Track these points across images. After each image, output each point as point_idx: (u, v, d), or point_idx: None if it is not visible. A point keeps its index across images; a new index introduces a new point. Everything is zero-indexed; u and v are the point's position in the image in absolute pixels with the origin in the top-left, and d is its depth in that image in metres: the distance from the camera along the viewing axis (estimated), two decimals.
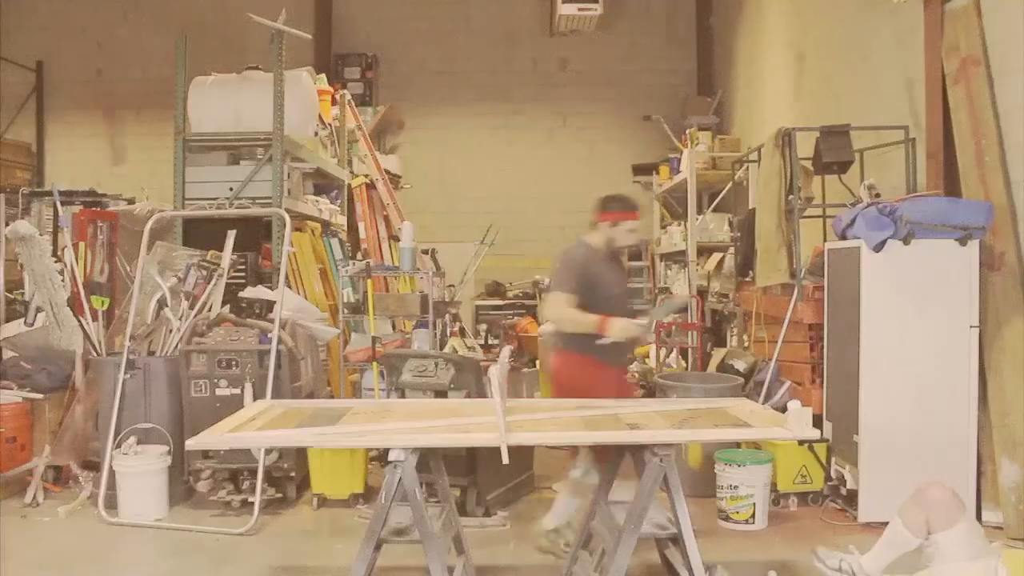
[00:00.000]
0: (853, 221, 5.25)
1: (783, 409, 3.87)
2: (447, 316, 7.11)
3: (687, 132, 10.33)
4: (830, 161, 6.14)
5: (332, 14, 12.35)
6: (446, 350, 6.53)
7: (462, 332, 8.43)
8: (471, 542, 4.30)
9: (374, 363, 6.21)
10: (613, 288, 4.66)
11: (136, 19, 12.11)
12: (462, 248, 9.68)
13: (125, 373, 5.50)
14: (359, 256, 8.17)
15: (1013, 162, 5.04)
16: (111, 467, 5.33)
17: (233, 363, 5.51)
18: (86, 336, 6.00)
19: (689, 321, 9.02)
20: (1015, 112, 5.00)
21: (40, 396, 6.09)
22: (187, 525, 5.18)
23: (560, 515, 4.68)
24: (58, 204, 6.90)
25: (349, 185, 8.97)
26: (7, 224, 6.36)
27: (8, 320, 6.83)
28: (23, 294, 6.63)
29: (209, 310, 5.97)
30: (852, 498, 5.21)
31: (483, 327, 10.71)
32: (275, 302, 5.71)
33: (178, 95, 6.88)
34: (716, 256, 8.99)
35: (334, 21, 12.36)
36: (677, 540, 3.61)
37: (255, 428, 3.74)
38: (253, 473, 5.29)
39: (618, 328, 4.38)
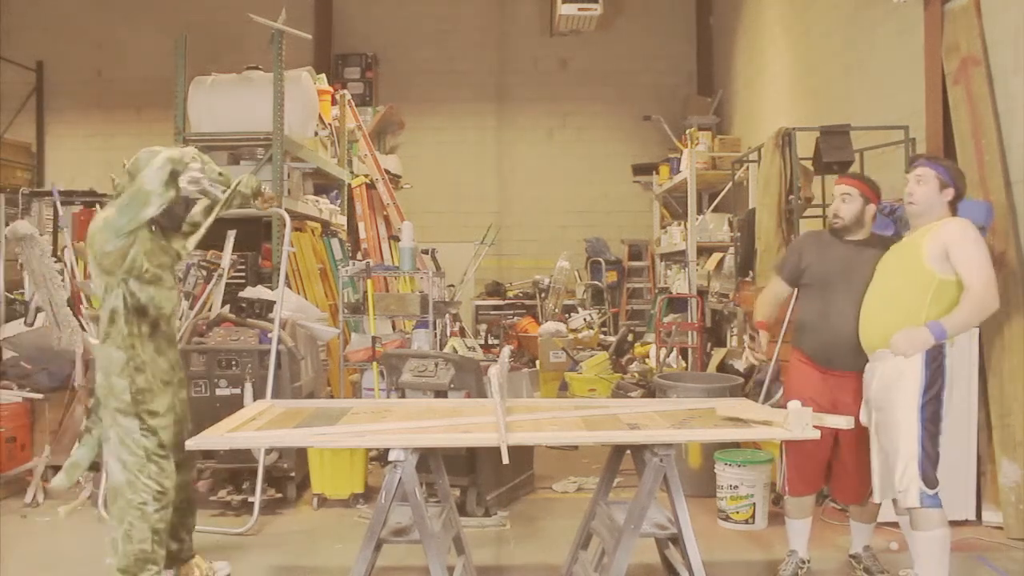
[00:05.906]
0: None
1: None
2: (447, 316, 7.11)
3: (687, 132, 10.34)
4: (830, 161, 6.15)
5: (332, 14, 12.37)
6: (446, 350, 6.52)
7: (462, 332, 8.43)
8: (471, 542, 4.30)
9: (374, 363, 6.21)
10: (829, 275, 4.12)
11: (136, 19, 12.12)
12: (462, 248, 9.71)
13: None
14: (359, 256, 8.16)
15: (1013, 162, 5.04)
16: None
17: (233, 363, 5.51)
18: (86, 336, 5.99)
19: (689, 321, 9.02)
20: (1015, 112, 5.00)
21: (40, 396, 6.09)
22: None
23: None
24: (58, 204, 6.90)
25: (349, 185, 8.96)
26: (7, 224, 6.36)
27: (8, 320, 6.82)
28: (23, 294, 6.63)
29: (209, 310, 5.96)
30: None
31: (483, 327, 10.74)
32: (275, 302, 5.71)
33: (178, 95, 6.88)
34: (716, 256, 8.98)
35: (334, 21, 12.38)
36: (677, 540, 3.61)
37: (255, 428, 3.74)
38: (253, 473, 5.28)
39: None
